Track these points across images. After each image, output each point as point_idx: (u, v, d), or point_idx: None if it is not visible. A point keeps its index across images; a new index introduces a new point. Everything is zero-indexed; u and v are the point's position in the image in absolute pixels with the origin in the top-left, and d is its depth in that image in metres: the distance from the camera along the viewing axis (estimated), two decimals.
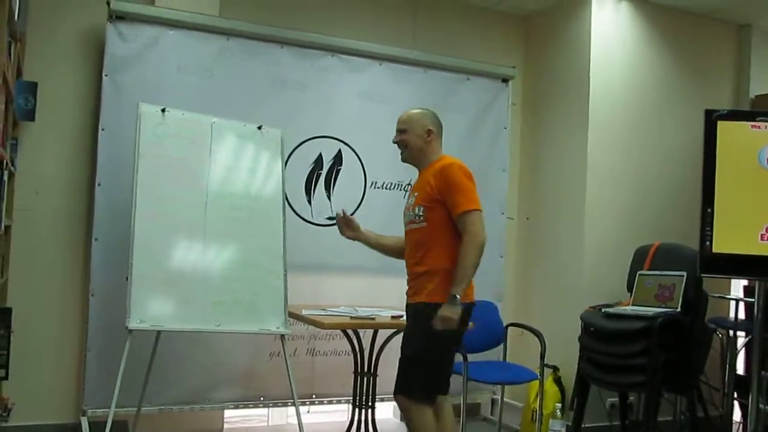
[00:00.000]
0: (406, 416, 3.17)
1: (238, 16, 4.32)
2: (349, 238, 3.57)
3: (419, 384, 3.06)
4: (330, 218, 4.41)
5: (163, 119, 3.68)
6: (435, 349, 3.06)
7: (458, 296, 2.93)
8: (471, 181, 3.10)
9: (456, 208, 3.01)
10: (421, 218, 3.10)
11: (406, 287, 3.23)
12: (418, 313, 3.10)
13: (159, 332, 3.69)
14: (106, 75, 3.95)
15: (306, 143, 4.46)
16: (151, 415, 4.02)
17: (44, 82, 3.93)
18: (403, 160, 3.30)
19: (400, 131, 3.25)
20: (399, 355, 3.17)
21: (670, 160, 4.98)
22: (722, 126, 4.01)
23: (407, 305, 3.22)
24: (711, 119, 4.02)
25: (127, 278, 3.40)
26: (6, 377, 2.93)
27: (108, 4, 3.88)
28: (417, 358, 3.06)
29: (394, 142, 3.27)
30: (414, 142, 3.21)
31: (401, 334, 3.81)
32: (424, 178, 3.19)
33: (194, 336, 3.91)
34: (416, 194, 3.18)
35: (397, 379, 3.13)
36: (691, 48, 5.12)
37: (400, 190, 4.65)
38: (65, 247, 4.08)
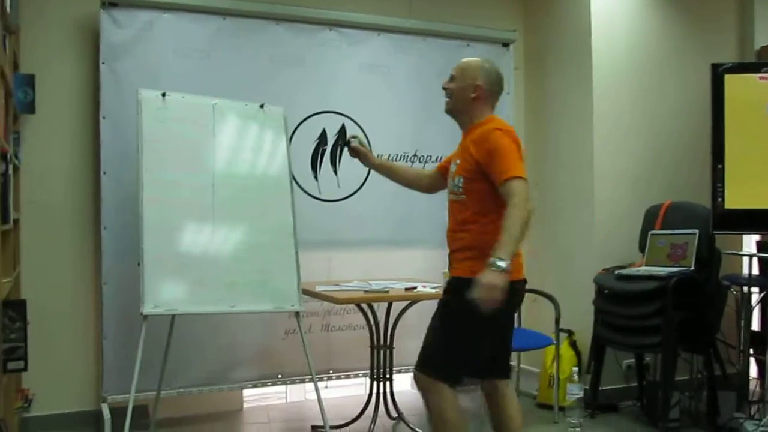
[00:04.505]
0: (423, 398, 2.87)
1: None
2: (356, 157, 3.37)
3: (439, 360, 2.75)
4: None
5: (163, 103, 3.66)
6: (469, 325, 2.66)
7: (501, 263, 2.43)
8: (518, 147, 2.69)
9: (499, 176, 2.60)
10: (461, 190, 2.77)
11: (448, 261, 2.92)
12: (452, 287, 2.82)
13: (174, 316, 3.70)
14: (103, 63, 3.93)
15: (309, 119, 4.43)
16: (171, 398, 4.04)
17: (42, 73, 3.92)
18: (446, 111, 2.91)
19: (450, 77, 2.89)
20: (414, 326, 3.02)
21: (678, 118, 4.91)
22: (729, 79, 3.97)
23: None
24: (717, 73, 3.98)
25: (138, 264, 3.41)
26: (25, 369, 2.95)
27: None
28: (443, 332, 2.76)
29: (443, 88, 2.90)
30: (458, 94, 2.84)
31: (417, 306, 3.85)
32: (464, 143, 2.83)
33: (209, 318, 3.93)
34: (457, 161, 2.83)
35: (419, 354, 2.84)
36: (693, 3, 5.04)
37: (407, 161, 4.62)
38: (75, 237, 4.09)
